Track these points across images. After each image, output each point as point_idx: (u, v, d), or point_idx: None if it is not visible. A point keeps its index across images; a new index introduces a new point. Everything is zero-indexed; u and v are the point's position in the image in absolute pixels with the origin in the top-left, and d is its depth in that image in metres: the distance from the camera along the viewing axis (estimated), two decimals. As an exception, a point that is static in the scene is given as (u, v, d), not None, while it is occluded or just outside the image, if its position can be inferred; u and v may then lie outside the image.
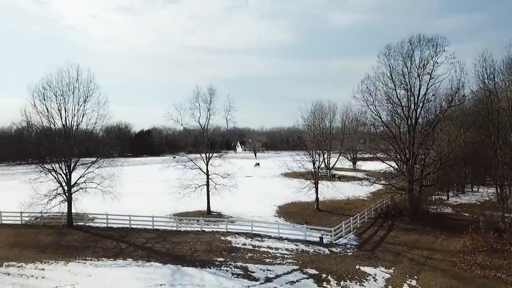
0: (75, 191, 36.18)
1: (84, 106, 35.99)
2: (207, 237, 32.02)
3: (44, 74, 46.23)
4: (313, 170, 44.46)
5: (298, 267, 25.89)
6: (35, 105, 34.74)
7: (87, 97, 36.02)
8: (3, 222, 38.02)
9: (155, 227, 34.83)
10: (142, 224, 35.28)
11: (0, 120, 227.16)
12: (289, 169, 45.18)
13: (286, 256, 28.17)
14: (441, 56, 38.93)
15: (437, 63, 38.96)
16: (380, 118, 42.16)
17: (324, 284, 23.20)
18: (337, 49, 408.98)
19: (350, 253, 29.22)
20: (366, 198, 52.33)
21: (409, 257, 28.27)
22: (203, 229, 34.34)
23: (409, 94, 40.45)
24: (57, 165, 35.51)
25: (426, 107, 41.08)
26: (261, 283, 23.36)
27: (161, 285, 22.93)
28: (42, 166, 35.45)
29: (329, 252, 29.31)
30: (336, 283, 23.29)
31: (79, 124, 36.34)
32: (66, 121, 35.59)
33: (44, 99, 34.90)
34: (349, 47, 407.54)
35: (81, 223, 36.91)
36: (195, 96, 41.67)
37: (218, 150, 45.19)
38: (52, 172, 35.18)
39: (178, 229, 34.63)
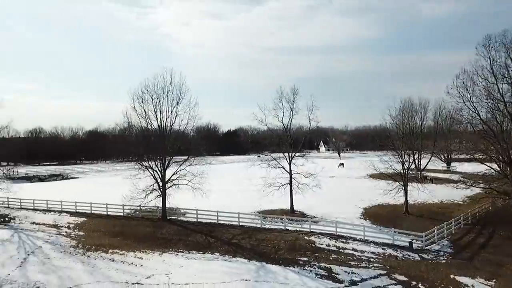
0: (169, 187, 38.94)
1: (176, 108, 38.68)
2: (291, 236, 32.25)
3: (142, 79, 50.41)
4: (402, 171, 42.25)
5: (385, 272, 24.87)
6: (134, 108, 38.24)
7: (179, 99, 38.64)
8: (108, 213, 42.38)
9: (240, 224, 36.02)
10: (229, 220, 36.71)
11: (108, 122, 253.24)
12: (375, 170, 43.48)
13: (372, 259, 27.23)
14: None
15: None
16: (479, 115, 38.47)
17: (414, 292, 21.99)
18: (428, 42, 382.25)
19: (444, 261, 27.24)
20: (461, 202, 48.20)
21: (514, 269, 25.49)
22: (287, 227, 34.64)
23: (514, 88, 36.35)
24: (153, 163, 38.61)
25: (534, 102, 36.53)
26: (345, 286, 22.92)
27: (246, 280, 23.69)
28: (141, 163, 38.81)
29: (419, 258, 27.65)
30: (428, 292, 21.93)
31: (172, 124, 39.13)
32: (161, 122, 38.59)
33: (143, 102, 38.23)
34: (442, 40, 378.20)
35: (174, 217, 39.57)
36: (279, 97, 42.20)
37: (301, 150, 45.21)
38: (149, 169, 38.33)
39: (263, 226, 35.39)
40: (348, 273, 24.66)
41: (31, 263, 28.01)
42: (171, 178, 38.80)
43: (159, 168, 38.51)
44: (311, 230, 33.48)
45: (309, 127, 45.38)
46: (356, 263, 26.46)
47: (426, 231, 31.32)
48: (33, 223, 40.44)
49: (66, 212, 43.83)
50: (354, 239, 31.47)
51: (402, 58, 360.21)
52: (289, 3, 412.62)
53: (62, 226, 38.46)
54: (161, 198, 38.52)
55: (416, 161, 67.17)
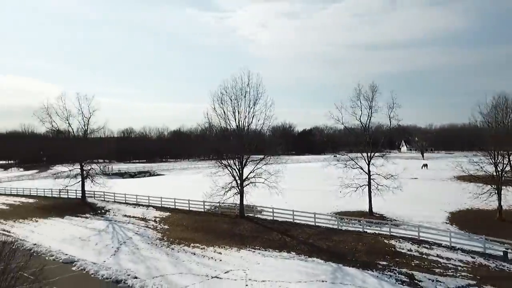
0: (246, 185, 40.00)
1: (253, 108, 39.63)
2: (369, 239, 31.24)
3: (222, 81, 52.32)
4: (495, 173, 38.57)
5: (474, 282, 22.99)
6: (214, 109, 39.98)
7: (256, 100, 39.54)
8: (190, 208, 44.80)
9: (316, 224, 35.76)
10: (304, 220, 36.64)
11: (191, 122, 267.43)
12: (463, 171, 40.24)
13: (459, 268, 25.33)
14: None
15: None
16: None
17: (509, 306, 20.04)
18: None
19: (546, 275, 24.38)
20: None
21: None
22: (365, 230, 33.61)
23: None
24: (231, 161, 39.98)
25: None
26: (429, 294, 21.64)
27: (322, 281, 23.50)
28: (220, 162, 40.42)
29: (516, 270, 25.08)
30: (526, 308, 19.84)
31: (249, 124, 40.18)
32: (239, 122, 39.84)
33: (222, 103, 39.81)
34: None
35: (251, 214, 40.55)
36: (356, 94, 40.94)
37: (380, 149, 43.46)
38: (227, 167, 39.77)
39: (339, 227, 34.75)
40: (432, 281, 23.23)
41: (123, 252, 30.71)
42: (248, 176, 39.82)
43: (237, 167, 39.74)
44: (391, 234, 32.07)
45: (389, 126, 43.44)
46: (442, 271, 24.82)
47: (525, 240, 28.27)
48: (125, 215, 44.23)
49: (153, 206, 47.22)
50: (439, 245, 29.50)
51: (495, 51, 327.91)
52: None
53: (149, 220, 41.51)
54: (239, 195, 39.70)
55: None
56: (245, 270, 25.61)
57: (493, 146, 39.96)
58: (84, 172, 53.62)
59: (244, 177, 39.80)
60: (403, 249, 28.93)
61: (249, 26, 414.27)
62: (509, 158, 39.39)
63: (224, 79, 40.56)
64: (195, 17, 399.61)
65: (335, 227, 34.91)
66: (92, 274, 26.14)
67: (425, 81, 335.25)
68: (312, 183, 66.37)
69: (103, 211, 47.39)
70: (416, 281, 23.31)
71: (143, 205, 48.33)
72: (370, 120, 41.15)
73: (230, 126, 40.69)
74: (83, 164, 53.61)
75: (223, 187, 38.75)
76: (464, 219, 38.11)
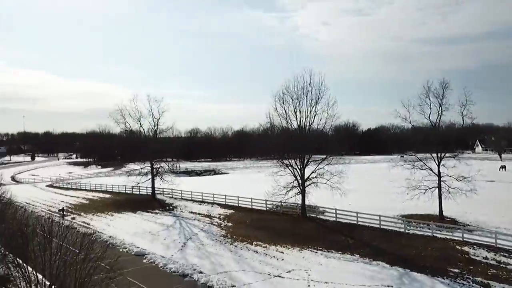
0: (308, 185, 39.76)
1: (315, 107, 39.29)
2: (439, 244, 29.52)
3: (283, 80, 52.48)
4: None
5: (562, 296, 20.82)
6: (276, 109, 40.29)
7: (318, 99, 39.16)
8: (253, 207, 45.53)
9: (381, 227, 34.55)
10: (369, 222, 35.56)
11: (253, 122, 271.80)
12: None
13: (544, 280, 23.07)
14: None
15: None
16: None
17: None
18: None
19: None
20: None
21: None
22: (434, 234, 31.80)
23: None
24: (293, 161, 39.96)
25: None
26: (507, 307, 20.00)
27: (388, 286, 22.72)
28: (282, 161, 40.59)
29: None
30: None
31: (311, 124, 39.91)
32: (300, 121, 39.72)
33: (283, 103, 39.95)
34: None
35: (313, 215, 40.22)
36: (425, 91, 38.76)
37: (452, 150, 40.82)
38: (289, 167, 39.82)
39: (406, 231, 33.25)
40: (511, 293, 21.44)
41: (189, 248, 32.06)
42: (310, 176, 39.54)
43: (299, 166, 39.63)
44: (464, 240, 30.00)
45: (462, 125, 40.66)
46: (523, 282, 22.79)
47: None
48: (191, 212, 46.10)
49: (217, 204, 48.67)
50: (520, 254, 27.08)
51: None
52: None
53: (214, 217, 42.87)
54: (300, 195, 39.57)
55: None
56: (307, 271, 25.51)
57: None
58: (154, 170, 56.70)
59: (305, 177, 39.59)
60: (477, 256, 26.97)
61: (311, 24, 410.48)
62: None
63: (286, 79, 40.75)
64: (259, 19, 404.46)
65: (402, 230, 33.45)
66: (161, 267, 27.60)
67: (502, 77, 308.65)
68: (377, 185, 64.17)
69: (171, 207, 49.79)
70: (493, 292, 21.66)
71: (208, 203, 50.00)
72: (440, 118, 38.78)
73: (291, 126, 40.74)
74: (153, 162, 56.74)
75: (284, 187, 38.87)
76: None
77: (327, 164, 39.74)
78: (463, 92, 38.06)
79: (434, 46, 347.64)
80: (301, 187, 39.56)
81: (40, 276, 14.21)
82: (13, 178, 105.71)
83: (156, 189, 58.03)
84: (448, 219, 37.13)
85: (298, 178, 39.64)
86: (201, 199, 51.84)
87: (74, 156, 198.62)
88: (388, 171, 47.93)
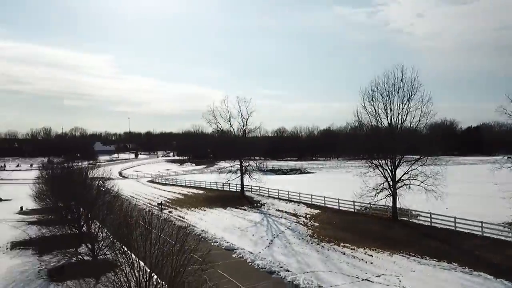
0: (399, 187, 37.77)
1: (408, 104, 37.14)
2: (557, 258, 25.92)
3: (373, 77, 50.61)
4: None
5: None
6: (365, 107, 38.97)
7: (411, 95, 36.96)
8: (340, 208, 44.65)
9: (484, 234, 31.43)
10: (469, 229, 32.59)
11: (340, 121, 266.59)
12: None
13: None
14: None
15: None
16: None
17: None
18: None
19: None
20: None
21: None
22: (551, 246, 28.00)
23: None
24: (383, 161, 38.28)
25: None
26: None
27: (491, 299, 20.63)
28: (371, 161, 39.13)
29: None
30: None
31: (403, 122, 37.79)
32: (391, 119, 37.85)
33: (373, 101, 38.51)
34: None
35: (405, 218, 38.10)
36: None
37: None
38: (379, 168, 38.23)
39: (515, 241, 29.78)
40: None
41: (276, 245, 32.57)
42: (402, 178, 37.53)
43: (389, 167, 37.84)
44: None
45: None
46: None
47: None
48: (278, 210, 46.78)
49: (304, 203, 48.68)
50: None
51: None
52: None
53: (300, 216, 42.96)
54: (391, 197, 37.78)
55: None
56: (398, 277, 24.29)
57: None
58: (243, 168, 58.77)
59: (397, 179, 37.65)
60: None
61: (403, 17, 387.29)
62: None
63: (375, 76, 39.25)
64: (346, 15, 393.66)
65: (509, 239, 30.06)
66: (249, 262, 28.48)
67: None
68: (479, 188, 58.41)
69: (258, 204, 51.07)
70: None
71: (294, 201, 50.27)
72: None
73: (381, 124, 39.04)
74: (242, 160, 58.87)
75: (374, 188, 37.46)
76: None
77: (421, 165, 37.30)
78: None
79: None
80: (392, 189, 37.74)
81: (142, 264, 15.65)
82: (120, 174, 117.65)
83: (244, 186, 60.02)
84: None
85: (389, 179, 37.86)
86: (287, 198, 52.32)
87: (171, 154, 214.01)
88: (492, 173, 43.39)
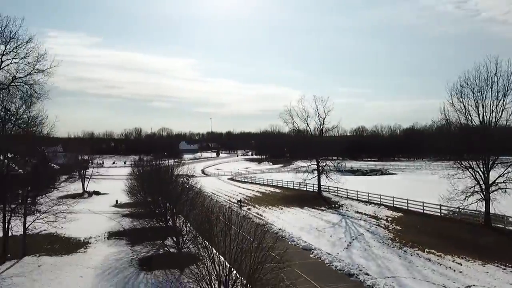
0: (493, 191, 34.55)
1: (503, 100, 33.90)
2: None
3: (461, 72, 46.94)
4: None
5: None
6: (452, 103, 36.33)
7: (507, 90, 33.63)
8: (424, 211, 42.10)
9: None
10: None
11: (425, 119, 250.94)
12: None
13: None
14: None
15: None
16: None
17: None
18: None
19: None
20: None
21: None
22: None
23: None
24: (474, 163, 35.31)
25: None
26: None
27: None
28: (460, 162, 36.31)
29: None
30: None
31: (497, 120, 34.52)
32: (483, 117, 34.79)
33: (462, 97, 35.74)
34: None
35: (500, 225, 34.76)
36: None
37: None
38: (469, 169, 35.35)
39: None
40: None
41: (355, 247, 31.78)
42: (496, 181, 34.25)
43: (481, 169, 34.78)
44: None
45: None
46: None
47: None
48: (357, 212, 45.53)
49: (384, 205, 46.75)
50: None
51: None
52: None
53: (380, 218, 41.34)
54: (483, 202, 34.70)
55: None
56: (492, 289, 22.29)
57: None
58: (320, 168, 58.19)
59: (490, 182, 34.45)
60: None
61: (497, 5, 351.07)
62: None
63: (464, 70, 36.34)
64: (433, 6, 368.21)
65: None
66: (327, 263, 28.18)
67: None
68: None
69: (336, 205, 50.18)
70: None
71: (374, 203, 48.52)
72: None
73: (471, 122, 35.99)
74: (319, 160, 58.32)
75: (463, 192, 34.73)
76: None
77: (520, 167, 33.74)
78: None
79: None
80: (484, 192, 34.64)
81: (222, 258, 16.39)
82: (202, 172, 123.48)
83: (321, 186, 59.37)
84: None
85: (481, 182, 34.80)
86: (367, 199, 50.65)
87: (250, 153, 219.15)
88: None
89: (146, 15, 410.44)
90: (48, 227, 34.19)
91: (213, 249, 16.98)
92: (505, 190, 33.84)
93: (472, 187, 35.03)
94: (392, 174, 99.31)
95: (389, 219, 40.85)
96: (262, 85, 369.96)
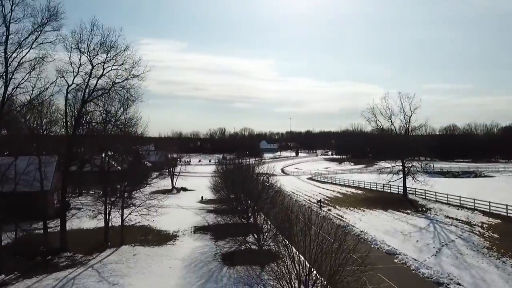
0: None
1: None
2: None
3: None
4: None
5: None
6: None
7: None
8: (508, 214, 37.94)
9: None
10: None
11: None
12: None
13: None
14: None
15: None
16: None
17: None
18: None
19: None
20: None
21: None
22: None
23: None
24: None
25: None
26: None
27: None
28: None
29: None
30: None
31: None
32: None
33: None
34: None
35: None
36: None
37: None
38: None
39: None
40: None
41: (444, 255, 29.64)
42: None
43: None
44: None
45: None
46: None
47: None
48: (447, 216, 42.33)
49: (479, 210, 42.82)
50: None
51: None
52: None
53: (475, 225, 37.97)
54: None
55: None
56: None
57: None
58: (405, 169, 55.18)
59: None
60: None
61: None
62: None
63: None
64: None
65: None
66: (413, 269, 26.72)
67: None
68: None
69: (424, 209, 47.19)
70: None
71: (467, 208, 44.68)
72: None
73: None
74: (404, 161, 55.33)
75: None
76: None
77: None
78: None
79: None
80: None
81: (302, 258, 16.44)
82: (282, 170, 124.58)
83: (407, 188, 56.27)
84: None
85: None
86: (458, 204, 46.78)
87: (330, 152, 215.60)
88: None
89: (224, 20, 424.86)
90: (141, 219, 37.37)
91: (293, 248, 17.11)
92: None
93: None
94: (488, 176, 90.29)
95: (484, 225, 37.33)
96: (342, 83, 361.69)
